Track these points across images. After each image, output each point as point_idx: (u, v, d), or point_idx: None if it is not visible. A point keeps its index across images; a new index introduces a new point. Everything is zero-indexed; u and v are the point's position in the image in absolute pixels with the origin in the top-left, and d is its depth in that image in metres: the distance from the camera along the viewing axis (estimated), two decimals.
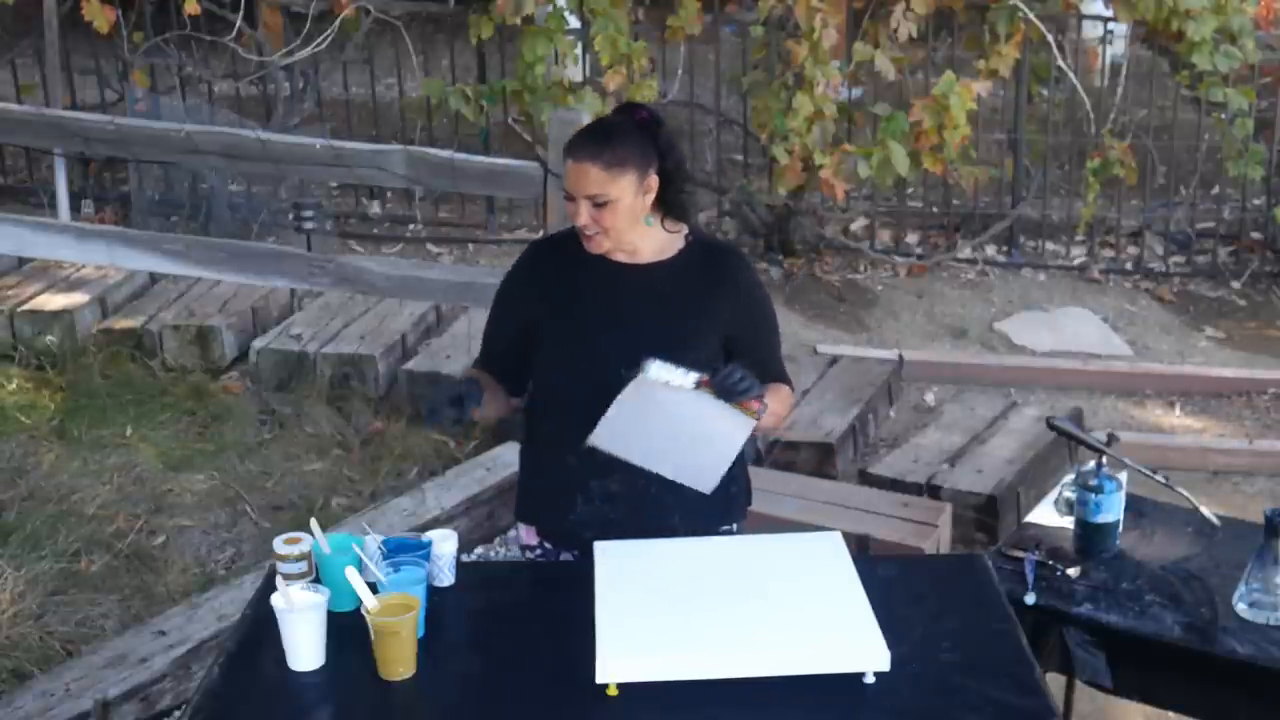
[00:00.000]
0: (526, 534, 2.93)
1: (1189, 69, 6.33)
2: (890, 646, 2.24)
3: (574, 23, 6.48)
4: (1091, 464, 3.00)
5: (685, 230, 2.80)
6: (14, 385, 5.47)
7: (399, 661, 2.29)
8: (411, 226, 7.41)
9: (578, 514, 2.77)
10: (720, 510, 2.83)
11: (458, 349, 5.53)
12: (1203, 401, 5.78)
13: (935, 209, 7.39)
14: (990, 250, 7.10)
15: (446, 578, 2.58)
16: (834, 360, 5.82)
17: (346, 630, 2.36)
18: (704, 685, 2.22)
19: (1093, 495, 2.95)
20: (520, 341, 2.81)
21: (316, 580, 2.47)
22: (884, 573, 2.61)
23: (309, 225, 6.17)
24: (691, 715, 2.21)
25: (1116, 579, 2.88)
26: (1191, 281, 6.91)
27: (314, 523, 2.53)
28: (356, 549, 2.46)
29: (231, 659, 2.39)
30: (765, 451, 4.93)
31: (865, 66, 6.41)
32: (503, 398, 2.88)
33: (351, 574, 2.36)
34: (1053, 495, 3.23)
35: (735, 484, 2.84)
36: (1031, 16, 6.18)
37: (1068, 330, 6.41)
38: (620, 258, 2.75)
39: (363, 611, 2.30)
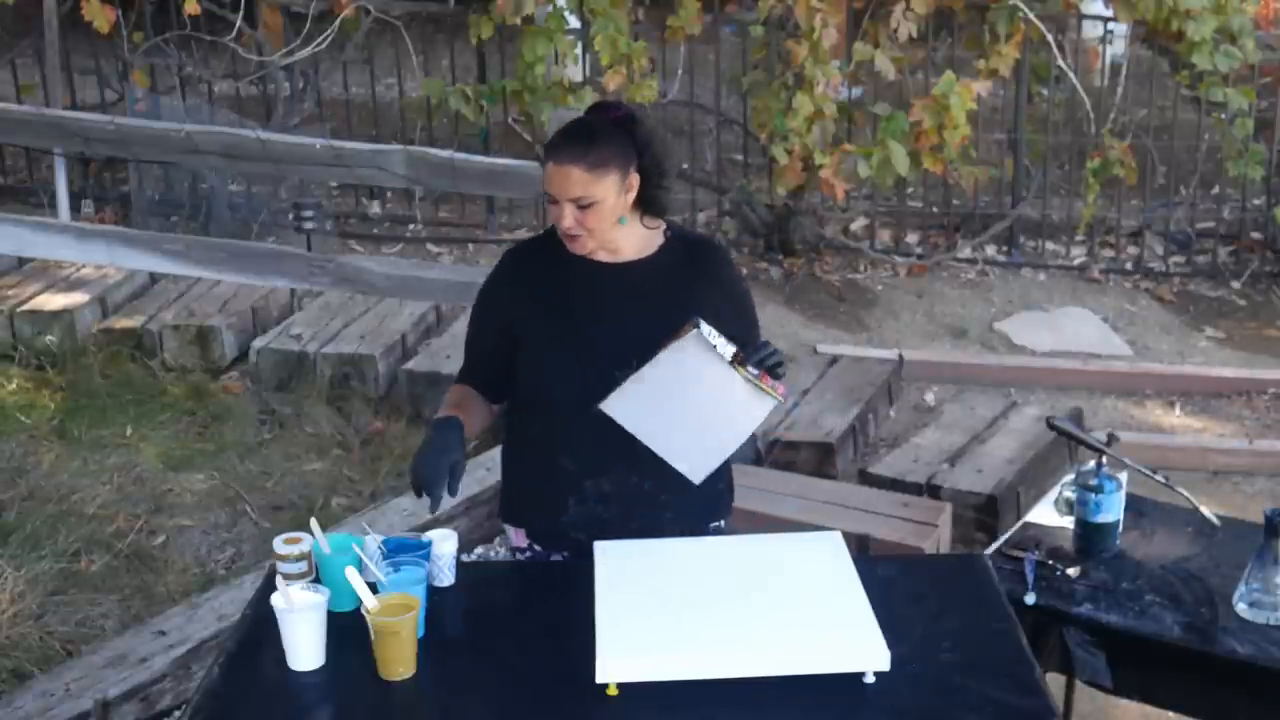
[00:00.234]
0: (516, 536, 2.90)
1: (1189, 69, 6.33)
2: (890, 646, 2.24)
3: (574, 23, 6.48)
4: (1091, 464, 3.00)
5: (663, 226, 2.79)
6: (14, 385, 5.48)
7: (399, 661, 2.28)
8: (411, 226, 7.40)
9: (570, 515, 2.75)
10: (710, 507, 2.84)
11: (458, 349, 5.42)
12: (1203, 401, 5.78)
13: (935, 209, 7.39)
14: (990, 250, 7.10)
15: (446, 578, 2.57)
16: (834, 360, 5.82)
17: (346, 630, 2.36)
18: (704, 685, 2.22)
19: (1093, 495, 2.95)
20: (506, 346, 2.78)
21: (316, 580, 2.47)
22: (884, 572, 2.61)
23: (309, 225, 6.16)
24: (691, 715, 2.21)
25: (1116, 579, 2.88)
26: (1191, 281, 6.91)
27: (314, 523, 2.53)
28: (356, 549, 2.46)
29: (231, 659, 2.39)
30: (765, 451, 4.93)
31: (865, 66, 6.41)
32: (484, 409, 2.86)
33: (351, 574, 2.36)
34: (1053, 495, 3.23)
35: (722, 480, 2.84)
36: (1031, 16, 6.18)
37: (1068, 330, 6.40)
38: (602, 257, 2.74)
39: (363, 611, 2.30)
